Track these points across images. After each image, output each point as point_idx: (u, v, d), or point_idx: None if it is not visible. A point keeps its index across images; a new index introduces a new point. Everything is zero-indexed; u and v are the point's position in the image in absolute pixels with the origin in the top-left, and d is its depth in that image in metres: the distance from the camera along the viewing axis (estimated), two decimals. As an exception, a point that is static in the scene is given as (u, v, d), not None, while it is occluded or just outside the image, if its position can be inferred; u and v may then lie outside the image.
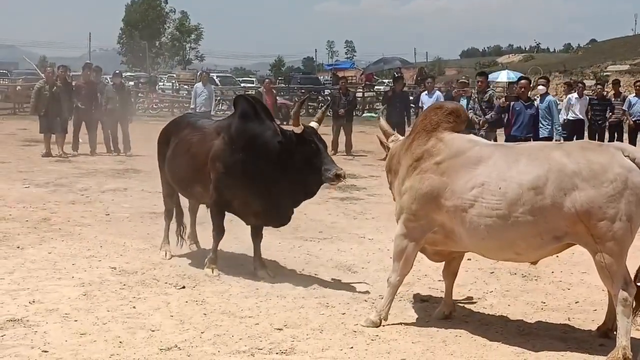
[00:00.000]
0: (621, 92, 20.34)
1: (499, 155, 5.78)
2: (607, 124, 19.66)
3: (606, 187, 5.26)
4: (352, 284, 7.48)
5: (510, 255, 5.89)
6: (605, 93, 21.07)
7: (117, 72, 22.08)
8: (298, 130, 7.36)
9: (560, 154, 5.51)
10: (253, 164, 7.43)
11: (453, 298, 6.59)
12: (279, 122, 8.21)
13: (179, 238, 8.74)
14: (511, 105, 12.57)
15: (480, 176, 5.72)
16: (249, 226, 8.00)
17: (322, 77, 59.80)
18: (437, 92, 19.45)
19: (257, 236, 7.92)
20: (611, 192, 5.25)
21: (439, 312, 6.50)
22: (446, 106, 6.34)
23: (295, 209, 7.76)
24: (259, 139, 7.49)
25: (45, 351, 5.48)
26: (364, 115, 37.40)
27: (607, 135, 19.83)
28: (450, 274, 6.51)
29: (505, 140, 12.64)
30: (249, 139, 7.52)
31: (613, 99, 20.23)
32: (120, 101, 18.99)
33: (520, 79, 14.52)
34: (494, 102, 14.38)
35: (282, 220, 7.85)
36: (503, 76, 29.03)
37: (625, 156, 5.38)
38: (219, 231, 7.92)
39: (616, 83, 21.79)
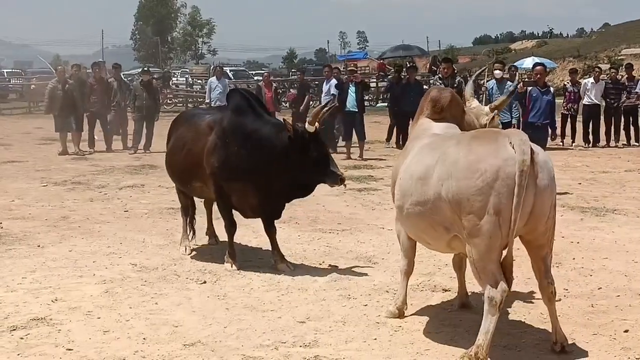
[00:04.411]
0: (634, 76, 20.21)
1: (419, 147, 5.77)
2: (622, 108, 19.58)
3: (476, 179, 4.98)
4: (373, 275, 7.46)
5: (426, 244, 5.90)
6: (619, 77, 20.97)
7: (145, 69, 22.10)
8: (312, 129, 7.36)
9: (451, 144, 5.34)
10: (249, 158, 7.45)
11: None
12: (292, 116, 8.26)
13: (192, 231, 8.76)
14: (528, 91, 12.46)
15: (402, 167, 5.80)
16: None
17: (335, 68, 59.56)
18: (332, 80, 18.69)
19: (270, 230, 7.92)
20: (480, 185, 4.97)
21: (455, 304, 6.51)
22: (430, 93, 6.33)
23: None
24: (255, 133, 7.51)
25: (70, 349, 5.50)
26: (378, 105, 37.29)
27: (622, 119, 19.78)
28: (459, 266, 6.45)
29: (523, 127, 12.57)
30: (243, 132, 7.55)
31: (627, 83, 20.14)
32: (148, 99, 18.88)
33: (535, 65, 14.42)
34: (463, 88, 14.41)
35: (275, 216, 7.91)
36: (529, 62, 28.79)
37: (510, 144, 5.03)
38: (230, 225, 7.94)
39: (629, 67, 21.68)
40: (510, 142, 5.03)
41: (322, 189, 12.17)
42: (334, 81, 18.59)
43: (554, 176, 5.25)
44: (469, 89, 6.81)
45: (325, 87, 18.88)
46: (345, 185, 7.83)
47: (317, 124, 7.40)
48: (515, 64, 33.57)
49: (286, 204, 7.94)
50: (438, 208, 5.28)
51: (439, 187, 5.23)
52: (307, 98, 20.05)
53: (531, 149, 5.02)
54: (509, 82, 14.26)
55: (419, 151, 5.70)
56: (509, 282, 5.13)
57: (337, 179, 7.44)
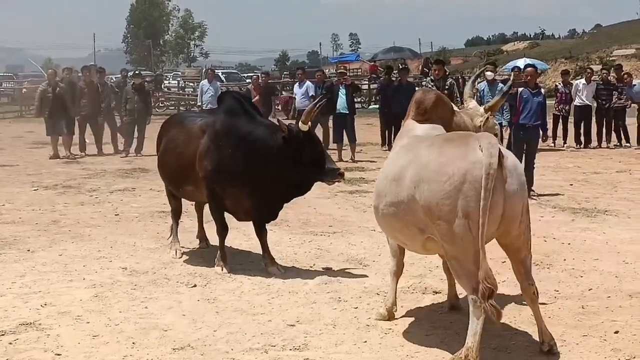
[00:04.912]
0: (624, 77, 20.29)
1: (397, 149, 5.83)
2: (613, 109, 19.62)
3: (444, 182, 4.97)
4: (364, 278, 7.45)
5: (403, 244, 5.90)
6: (610, 78, 21.03)
7: (137, 72, 22.08)
8: (305, 127, 7.37)
9: (425, 145, 5.34)
10: (243, 160, 7.43)
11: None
12: (285, 118, 8.26)
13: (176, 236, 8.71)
14: (518, 92, 12.46)
15: (382, 168, 5.87)
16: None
17: (327, 70, 59.66)
18: (307, 83, 19.00)
19: (261, 233, 7.90)
20: (448, 188, 4.96)
21: (446, 306, 6.50)
22: (415, 95, 6.36)
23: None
24: (249, 135, 7.50)
25: (59, 354, 5.48)
26: (370, 107, 37.29)
27: (613, 120, 19.83)
28: (448, 269, 6.43)
29: (514, 128, 12.56)
30: (236, 135, 7.54)
31: (617, 84, 20.22)
32: (139, 102, 18.79)
33: (526, 66, 14.44)
34: (454, 89, 14.43)
35: (271, 217, 7.91)
36: (521, 64, 28.82)
37: (479, 147, 5.00)
38: (221, 228, 7.93)
39: (618, 68, 21.78)
40: (480, 145, 5.02)
41: (313, 190, 12.17)
42: (309, 83, 18.61)
43: (524, 180, 5.25)
44: (467, 90, 6.82)
45: (299, 90, 18.97)
46: (344, 180, 7.85)
47: (310, 122, 7.42)
48: (507, 65, 33.62)
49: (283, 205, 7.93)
50: (411, 209, 5.28)
51: (412, 189, 5.23)
52: (273, 102, 20.16)
53: (500, 152, 4.99)
54: (500, 84, 14.25)
55: (395, 152, 5.76)
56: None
57: (335, 174, 7.44)
